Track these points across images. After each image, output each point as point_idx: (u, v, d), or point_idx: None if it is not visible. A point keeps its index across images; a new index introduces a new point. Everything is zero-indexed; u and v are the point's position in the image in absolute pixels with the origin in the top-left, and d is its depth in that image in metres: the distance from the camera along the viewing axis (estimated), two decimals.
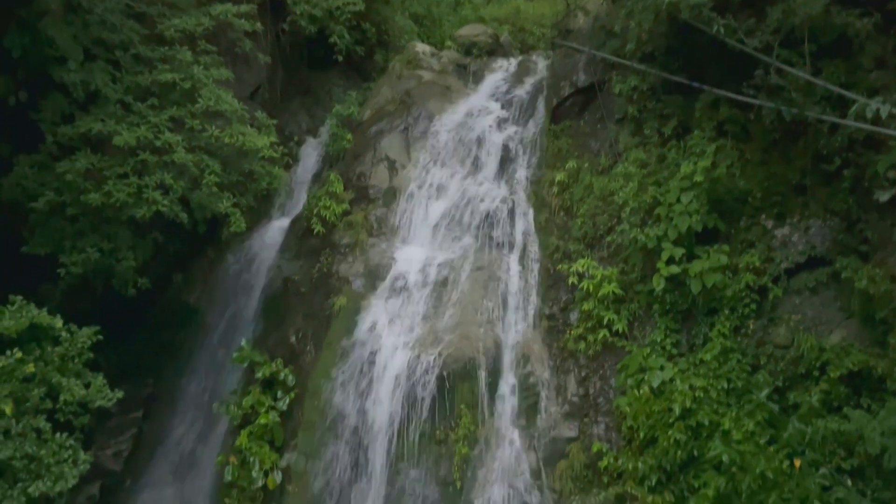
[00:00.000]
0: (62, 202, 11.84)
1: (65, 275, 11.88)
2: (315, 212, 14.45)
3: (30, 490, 9.56)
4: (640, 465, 10.25)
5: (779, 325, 10.22)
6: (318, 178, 16.23)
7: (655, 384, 10.49)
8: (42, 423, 10.08)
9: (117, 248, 12.31)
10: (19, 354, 10.05)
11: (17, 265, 12.30)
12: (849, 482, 8.86)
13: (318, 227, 14.28)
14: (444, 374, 11.73)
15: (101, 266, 12.16)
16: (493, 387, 11.91)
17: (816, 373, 9.64)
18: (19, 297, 10.68)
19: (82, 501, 13.45)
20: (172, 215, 12.26)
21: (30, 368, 10.11)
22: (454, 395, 11.72)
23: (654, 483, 10.10)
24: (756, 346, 10.31)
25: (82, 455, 10.30)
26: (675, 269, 10.78)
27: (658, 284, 10.93)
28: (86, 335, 10.91)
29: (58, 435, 10.25)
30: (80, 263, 11.84)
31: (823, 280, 10.08)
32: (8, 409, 9.53)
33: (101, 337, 11.17)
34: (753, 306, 10.41)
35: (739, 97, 10.19)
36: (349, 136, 16.27)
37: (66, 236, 12.05)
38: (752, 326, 10.40)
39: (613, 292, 11.64)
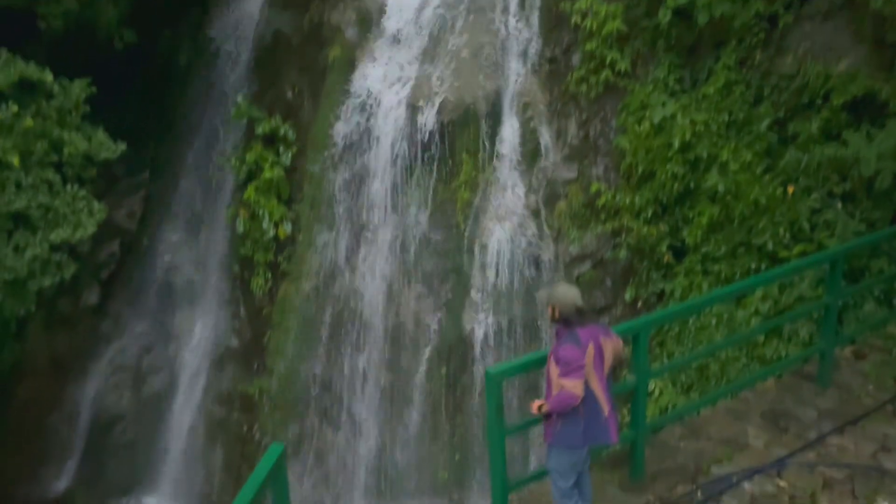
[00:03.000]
0: None
1: (46, 28, 11.39)
2: None
3: (51, 237, 10.00)
4: (636, 199, 10.54)
5: (786, 55, 9.94)
6: None
7: (656, 120, 10.45)
8: (51, 175, 10.27)
9: None
10: (15, 108, 9.97)
11: None
12: (839, 205, 9.14)
13: None
14: (444, 121, 11.66)
15: (83, 17, 11.62)
16: (493, 133, 11.89)
17: (819, 101, 9.53)
18: (4, 49, 10.34)
19: (105, 257, 14.18)
20: None
21: (28, 123, 10.09)
22: (455, 142, 11.76)
23: (649, 215, 10.46)
24: (761, 77, 10.11)
25: (96, 205, 10.64)
26: None
27: (664, 17, 10.48)
28: (79, 87, 10.77)
29: (69, 187, 10.49)
30: (59, 15, 11.30)
31: (838, 3, 9.63)
32: (15, 161, 9.65)
33: (93, 89, 11.01)
34: (762, 35, 10.06)
35: None
36: None
37: None
38: (758, 57, 10.12)
39: (618, 29, 11.17)
